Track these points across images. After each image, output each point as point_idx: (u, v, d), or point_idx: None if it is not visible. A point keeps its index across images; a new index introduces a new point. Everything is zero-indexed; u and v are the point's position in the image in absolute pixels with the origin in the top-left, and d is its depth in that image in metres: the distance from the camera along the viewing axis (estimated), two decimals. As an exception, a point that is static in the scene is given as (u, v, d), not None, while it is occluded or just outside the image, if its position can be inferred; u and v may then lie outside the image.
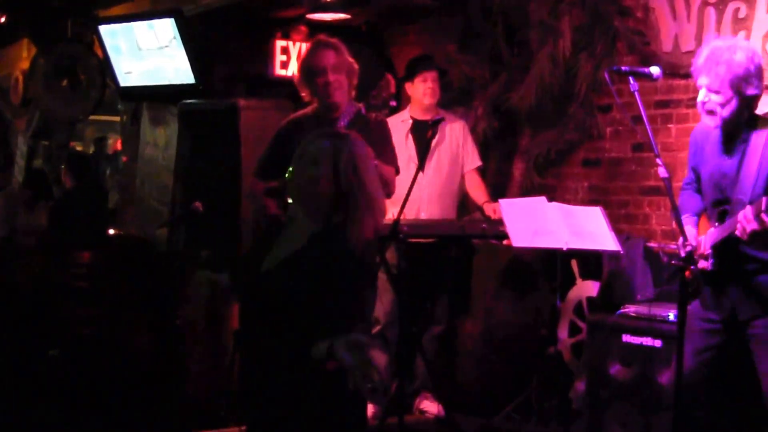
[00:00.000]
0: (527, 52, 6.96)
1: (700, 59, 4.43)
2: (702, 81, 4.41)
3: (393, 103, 6.35)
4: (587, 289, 6.44)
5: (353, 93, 5.40)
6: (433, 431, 6.36)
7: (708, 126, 4.52)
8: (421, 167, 5.35)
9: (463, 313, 6.94)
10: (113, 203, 10.40)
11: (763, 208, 4.08)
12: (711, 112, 4.42)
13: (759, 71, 4.40)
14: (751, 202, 4.23)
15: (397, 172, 5.48)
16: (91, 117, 13.41)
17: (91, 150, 15.40)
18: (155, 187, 8.82)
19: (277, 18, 8.03)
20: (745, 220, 4.16)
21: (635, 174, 6.61)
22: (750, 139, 4.44)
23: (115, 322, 7.49)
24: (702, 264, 4.48)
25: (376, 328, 6.60)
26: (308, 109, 5.45)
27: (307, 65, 5.30)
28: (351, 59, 5.35)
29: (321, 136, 3.76)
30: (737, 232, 4.22)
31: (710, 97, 4.39)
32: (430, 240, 6.45)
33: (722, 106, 4.38)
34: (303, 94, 5.41)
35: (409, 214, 6.28)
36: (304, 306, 3.54)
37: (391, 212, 5.23)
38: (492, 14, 7.18)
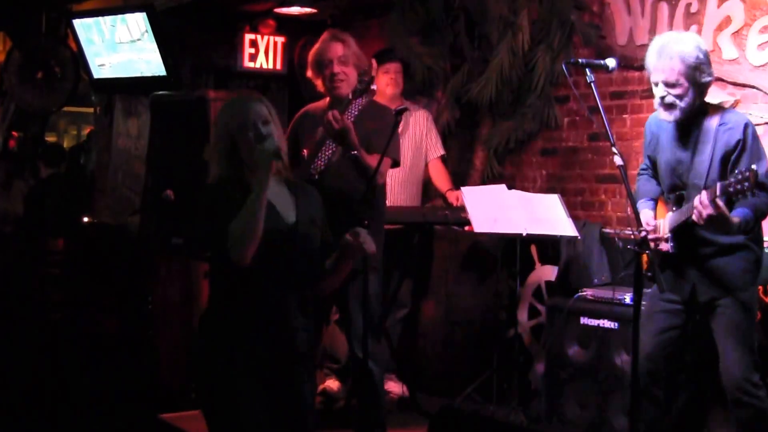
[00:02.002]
0: (487, 46, 6.93)
1: (651, 57, 4.41)
2: (657, 77, 4.38)
3: (374, 87, 6.32)
4: (546, 273, 6.42)
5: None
6: (396, 411, 6.30)
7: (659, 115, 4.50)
8: (383, 158, 5.26)
9: (424, 296, 6.90)
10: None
11: (718, 193, 4.06)
12: (670, 106, 4.39)
13: (707, 57, 4.40)
14: (706, 187, 4.21)
15: (396, 164, 5.41)
16: (65, 108, 13.32)
17: (81, 141, 15.29)
18: (128, 177, 8.74)
19: (245, 12, 7.97)
20: (701, 206, 4.13)
21: (591, 162, 6.59)
22: (703, 125, 4.44)
23: (87, 307, 7.40)
24: (663, 246, 4.46)
25: (403, 311, 6.67)
26: (320, 102, 5.37)
27: (317, 57, 5.23)
28: (359, 52, 5.29)
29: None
30: (694, 217, 4.20)
31: (668, 92, 4.36)
32: (393, 226, 6.40)
33: (680, 98, 4.36)
34: (318, 86, 5.33)
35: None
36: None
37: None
38: (453, 8, 7.16)
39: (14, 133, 12.46)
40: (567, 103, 6.71)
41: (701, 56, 4.35)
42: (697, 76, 4.33)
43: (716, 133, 4.38)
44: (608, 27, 6.33)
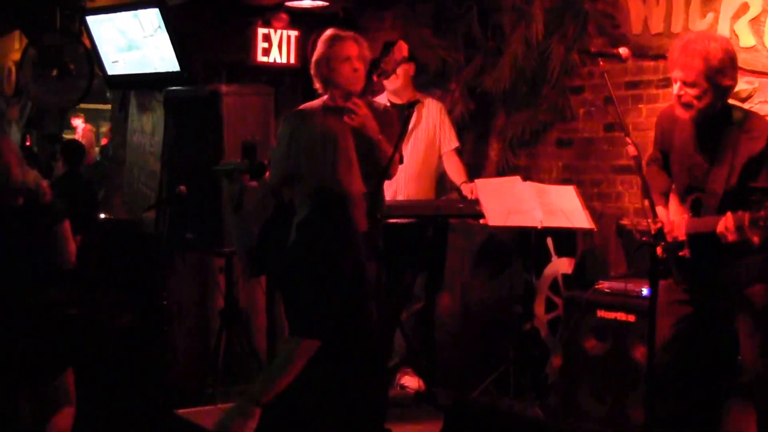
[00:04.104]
0: (500, 36, 6.86)
1: (674, 53, 4.30)
2: (677, 74, 4.28)
3: (398, 74, 6.25)
4: (562, 266, 6.36)
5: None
6: (413, 406, 6.25)
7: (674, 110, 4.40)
8: (397, 150, 5.19)
9: (439, 290, 6.84)
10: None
11: (746, 224, 3.97)
12: (687, 105, 4.29)
13: (733, 62, 4.28)
14: (725, 194, 4.15)
15: (401, 160, 5.35)
16: (84, 105, 13.35)
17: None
18: (143, 173, 8.71)
19: (257, 6, 7.92)
20: (726, 231, 4.06)
21: (607, 153, 6.49)
22: (724, 129, 4.32)
23: (102, 303, 7.36)
24: (679, 250, 4.38)
25: (418, 305, 6.62)
26: (317, 101, 5.30)
27: (331, 56, 5.15)
28: (368, 51, 5.25)
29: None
30: (717, 233, 4.11)
31: (686, 90, 4.26)
32: (407, 220, 6.35)
33: (698, 98, 4.25)
34: (317, 86, 5.26)
35: (387, 195, 6.17)
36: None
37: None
38: (465, -1, 7.08)
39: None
40: (582, 94, 6.62)
41: (726, 59, 4.23)
42: (719, 79, 4.21)
43: (739, 140, 4.26)
44: (622, 16, 6.21)
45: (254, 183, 4.82)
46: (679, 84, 4.27)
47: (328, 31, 5.26)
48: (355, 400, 3.79)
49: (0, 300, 4.42)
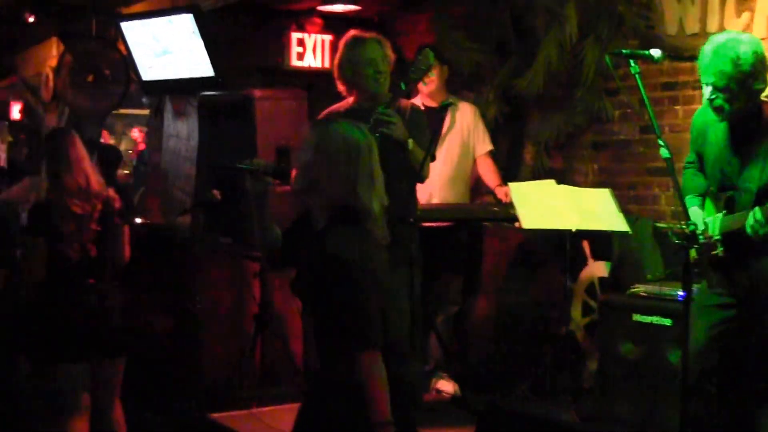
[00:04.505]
0: (534, 38, 6.82)
1: (705, 57, 4.27)
2: (707, 80, 4.26)
3: (434, 77, 6.31)
4: (599, 269, 6.30)
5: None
6: (450, 411, 6.24)
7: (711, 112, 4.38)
8: (429, 154, 5.17)
9: (474, 294, 6.83)
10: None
11: None
12: (719, 109, 4.27)
13: (764, 64, 4.25)
14: (759, 191, 4.13)
15: (432, 158, 5.34)
16: (122, 111, 13.44)
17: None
18: (178, 177, 8.75)
19: (289, 10, 7.94)
20: (757, 224, 4.02)
21: (643, 155, 6.44)
22: (756, 128, 4.30)
23: (136, 307, 7.40)
24: (713, 250, 4.35)
25: (453, 309, 6.64)
26: (342, 104, 5.30)
27: (355, 58, 5.16)
28: (390, 53, 5.25)
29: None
30: (748, 230, 4.09)
31: (717, 95, 4.23)
32: (442, 223, 6.34)
33: (729, 102, 4.23)
34: (340, 89, 5.27)
35: (422, 199, 6.17)
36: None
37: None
38: (499, 1, 7.04)
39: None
40: (617, 95, 6.57)
41: (757, 63, 4.21)
42: (750, 82, 4.20)
43: None
44: (657, 16, 6.15)
45: (285, 188, 4.85)
46: (710, 88, 4.25)
47: (350, 33, 5.25)
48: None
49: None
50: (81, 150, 5.00)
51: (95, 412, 5.12)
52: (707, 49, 4.29)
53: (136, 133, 16.03)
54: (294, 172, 3.56)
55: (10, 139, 15.86)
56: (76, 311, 4.86)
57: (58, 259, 4.83)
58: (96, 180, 4.99)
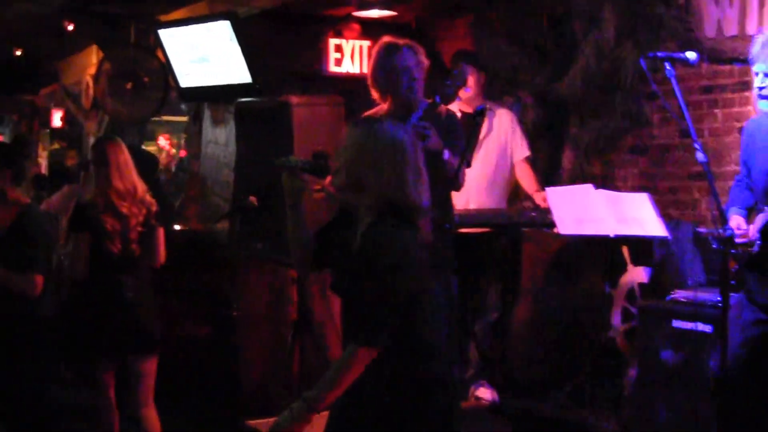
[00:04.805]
0: (572, 43, 6.80)
1: (756, 46, 4.34)
2: (759, 67, 4.30)
3: (468, 90, 6.29)
4: (639, 275, 6.26)
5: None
6: (488, 418, 6.22)
7: (761, 118, 4.36)
8: (464, 159, 5.15)
9: (513, 300, 6.81)
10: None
11: None
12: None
13: None
14: None
15: (468, 164, 5.34)
16: (165, 118, 13.53)
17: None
18: (217, 184, 8.80)
19: (326, 16, 7.96)
20: None
21: (684, 159, 6.41)
22: None
23: (174, 314, 7.46)
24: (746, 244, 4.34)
25: (492, 316, 6.63)
26: (377, 110, 5.31)
27: (388, 65, 5.15)
28: (424, 58, 5.21)
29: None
30: None
31: (767, 82, 4.24)
32: (480, 229, 6.33)
33: None
34: (375, 96, 5.27)
35: (459, 205, 6.17)
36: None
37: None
38: (536, 6, 7.02)
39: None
40: (657, 99, 6.53)
41: None
42: None
43: None
44: (696, 19, 6.14)
45: (321, 195, 4.87)
46: (761, 76, 4.26)
47: (383, 40, 5.24)
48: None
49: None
50: (127, 156, 5.38)
51: (130, 412, 5.37)
52: (760, 39, 4.36)
53: (162, 141, 16.09)
54: (333, 170, 3.58)
55: (57, 146, 16.05)
56: (113, 306, 5.18)
57: (100, 254, 5.12)
58: (141, 185, 5.37)
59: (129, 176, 5.33)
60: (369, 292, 3.33)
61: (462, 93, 6.48)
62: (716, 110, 6.12)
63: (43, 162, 16.25)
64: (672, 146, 6.48)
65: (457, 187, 5.19)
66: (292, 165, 3.67)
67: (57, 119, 15.67)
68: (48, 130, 16.79)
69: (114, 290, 5.22)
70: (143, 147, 12.66)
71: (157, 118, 12.81)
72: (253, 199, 5.89)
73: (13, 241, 4.98)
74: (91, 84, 11.35)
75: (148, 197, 5.39)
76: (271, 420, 5.68)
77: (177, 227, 9.18)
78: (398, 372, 3.41)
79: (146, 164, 9.19)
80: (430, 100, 5.18)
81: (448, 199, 5.30)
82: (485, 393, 6.54)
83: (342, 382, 3.35)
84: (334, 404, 3.53)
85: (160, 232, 5.50)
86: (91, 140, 12.13)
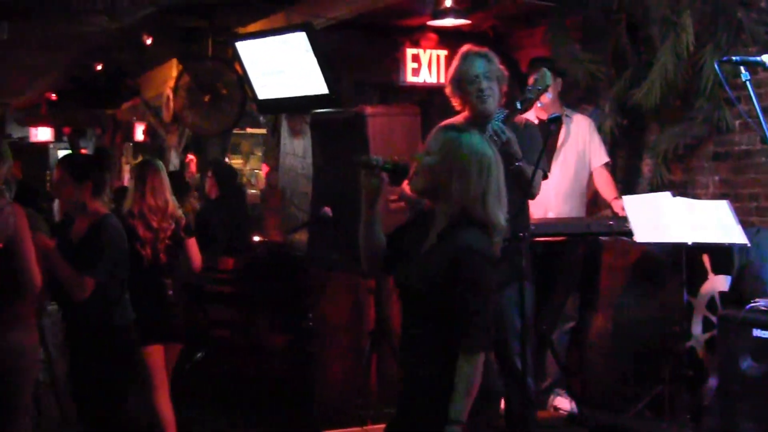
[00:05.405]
0: (650, 48, 6.74)
1: None
2: None
3: (549, 95, 6.31)
4: (719, 283, 6.19)
5: (503, 99, 5.28)
6: (566, 428, 6.20)
7: None
8: (538, 167, 5.14)
9: (591, 309, 6.78)
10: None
11: None
12: None
13: None
14: None
15: (545, 176, 5.36)
16: (249, 130, 13.68)
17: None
18: (295, 195, 8.89)
19: (402, 27, 8.00)
20: None
21: (765, 166, 6.30)
22: None
23: (252, 324, 7.56)
24: None
25: (570, 324, 6.66)
26: (458, 117, 5.35)
27: (459, 74, 5.19)
28: (501, 67, 5.23)
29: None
30: None
31: None
32: (557, 238, 6.31)
33: None
34: (454, 103, 5.32)
35: (537, 214, 6.17)
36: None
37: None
38: (613, 12, 6.99)
39: (189, 156, 12.91)
40: (739, 105, 6.48)
41: None
42: None
43: None
44: (777, 22, 6.09)
45: (398, 205, 4.95)
46: None
47: (463, 48, 5.28)
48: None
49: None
50: (163, 177, 6.08)
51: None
52: None
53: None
54: (412, 173, 3.63)
55: (140, 159, 16.27)
56: (151, 301, 5.88)
57: (135, 257, 5.72)
58: (173, 204, 6.06)
59: (162, 195, 6.01)
60: (478, 298, 3.40)
61: (543, 98, 6.50)
62: (796, 116, 6.03)
63: (126, 176, 16.53)
64: (753, 152, 6.38)
65: (532, 195, 5.20)
66: (372, 163, 3.70)
67: (140, 133, 15.93)
68: (131, 144, 17.08)
69: (151, 289, 5.91)
70: (226, 160, 12.85)
71: (240, 131, 13.01)
72: (327, 209, 5.96)
73: (85, 248, 5.13)
74: (171, 97, 11.52)
75: (178, 213, 6.09)
76: (349, 430, 5.77)
77: (256, 238, 9.31)
78: None
79: (225, 176, 9.37)
80: (508, 110, 5.21)
81: (524, 208, 5.31)
82: (563, 403, 6.54)
83: (475, 390, 3.43)
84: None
85: (191, 242, 6.18)
86: (172, 153, 12.34)
